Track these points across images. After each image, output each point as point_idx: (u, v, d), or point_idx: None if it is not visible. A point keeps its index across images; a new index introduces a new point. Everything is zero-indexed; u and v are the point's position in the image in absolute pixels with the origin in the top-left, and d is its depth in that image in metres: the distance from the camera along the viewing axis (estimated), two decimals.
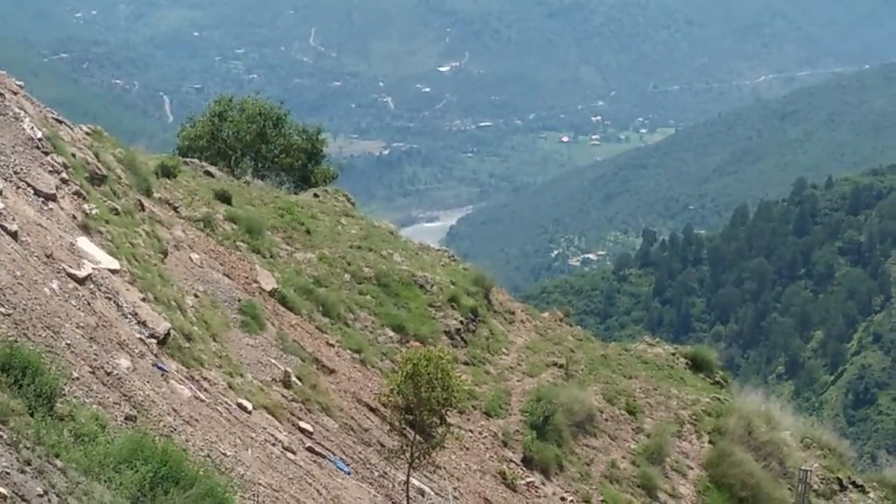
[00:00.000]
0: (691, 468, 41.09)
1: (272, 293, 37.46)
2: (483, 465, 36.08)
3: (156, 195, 38.63)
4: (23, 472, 18.38)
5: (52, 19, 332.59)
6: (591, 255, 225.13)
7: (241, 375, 32.51)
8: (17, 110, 34.71)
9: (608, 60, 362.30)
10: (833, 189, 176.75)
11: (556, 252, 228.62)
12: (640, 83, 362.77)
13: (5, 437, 18.78)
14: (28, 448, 18.88)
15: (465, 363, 39.32)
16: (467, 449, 36.10)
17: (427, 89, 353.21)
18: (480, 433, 37.42)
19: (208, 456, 25.95)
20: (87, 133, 37.82)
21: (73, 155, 35.37)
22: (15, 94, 35.97)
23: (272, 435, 30.62)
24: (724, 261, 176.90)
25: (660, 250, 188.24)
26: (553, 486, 36.66)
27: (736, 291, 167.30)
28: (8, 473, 17.80)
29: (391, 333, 39.51)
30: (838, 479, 44.56)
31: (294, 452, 30.49)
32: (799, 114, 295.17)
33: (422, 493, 32.39)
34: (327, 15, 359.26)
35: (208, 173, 46.13)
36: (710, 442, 42.48)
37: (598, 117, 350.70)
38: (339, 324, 38.48)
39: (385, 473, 32.57)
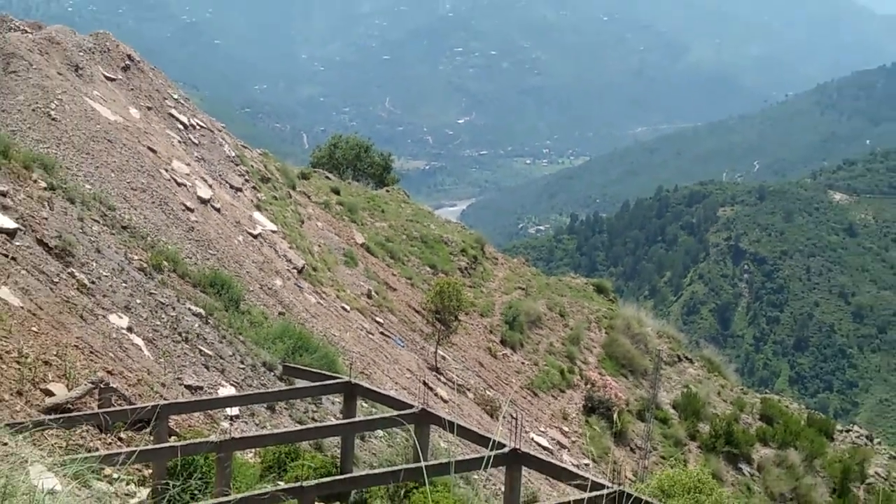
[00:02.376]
0: (595, 347, 44.07)
1: (362, 245, 40.98)
2: (478, 343, 39.29)
3: (298, 189, 42.30)
4: (220, 342, 25.30)
5: (242, 87, 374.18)
6: (541, 227, 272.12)
7: (344, 290, 35.41)
8: (221, 140, 38.94)
9: (553, 117, 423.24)
10: (678, 192, 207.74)
11: (521, 225, 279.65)
12: (570, 130, 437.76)
13: (212, 322, 25.96)
14: (224, 328, 26.07)
15: (469, 286, 42.30)
16: (469, 334, 39.16)
17: (451, 132, 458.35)
18: (477, 326, 40.45)
19: (324, 335, 30.06)
20: (260, 154, 42.32)
21: (252, 166, 39.32)
22: (220, 130, 40.06)
23: (361, 324, 33.93)
24: (615, 231, 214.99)
25: (579, 225, 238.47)
26: (517, 356, 40.25)
27: (622, 249, 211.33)
28: (213, 343, 24.79)
29: (428, 269, 42.93)
30: (677, 355, 47.25)
31: (372, 334, 33.58)
32: (660, 150, 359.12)
33: (444, 357, 35.66)
34: (395, 90, 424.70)
35: (327, 178, 49.97)
36: (606, 333, 45.23)
37: (546, 150, 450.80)
38: (398, 263, 42.16)
39: (423, 347, 35.90)
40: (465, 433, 21.48)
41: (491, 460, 19.56)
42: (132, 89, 36.45)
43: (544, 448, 31.35)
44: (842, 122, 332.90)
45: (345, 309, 33.89)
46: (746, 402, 45.29)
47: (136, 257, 26.84)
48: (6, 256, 22.71)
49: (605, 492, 17.96)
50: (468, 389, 34.70)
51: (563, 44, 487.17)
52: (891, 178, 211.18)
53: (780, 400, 50.10)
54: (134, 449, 16.23)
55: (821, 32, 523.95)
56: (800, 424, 44.11)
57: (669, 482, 23.62)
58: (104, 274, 24.92)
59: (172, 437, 19.10)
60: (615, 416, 38.32)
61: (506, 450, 19.09)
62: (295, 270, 33.67)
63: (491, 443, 19.68)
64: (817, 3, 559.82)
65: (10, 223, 24.03)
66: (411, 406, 21.53)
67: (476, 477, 22.59)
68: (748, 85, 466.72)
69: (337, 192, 45.15)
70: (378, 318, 35.24)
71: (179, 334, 24.80)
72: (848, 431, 47.71)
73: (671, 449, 38.42)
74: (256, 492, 17.60)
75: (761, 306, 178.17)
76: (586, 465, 32.56)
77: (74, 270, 24.12)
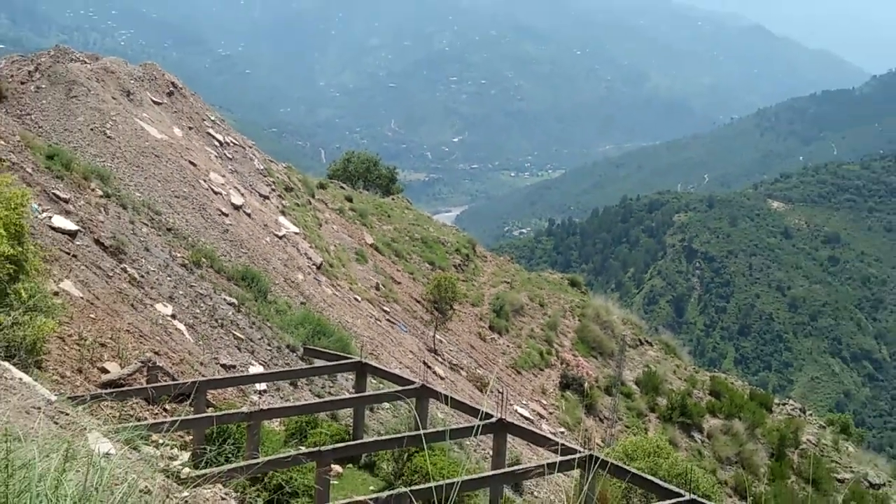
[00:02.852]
0: (569, 332, 43.83)
1: (371, 245, 40.90)
2: (470, 329, 39.27)
3: (317, 197, 42.24)
4: (250, 327, 25.50)
5: (269, 110, 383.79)
6: (523, 230, 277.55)
7: (355, 283, 35.41)
8: (251, 155, 38.93)
9: (534, 137, 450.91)
10: (639, 201, 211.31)
11: (506, 228, 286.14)
12: (548, 147, 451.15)
13: (243, 310, 26.19)
14: (254, 316, 26.18)
15: (462, 280, 41.88)
16: (462, 321, 39.10)
17: (446, 149, 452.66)
18: (469, 314, 40.38)
19: (339, 322, 30.17)
20: (284, 167, 42.22)
21: (278, 177, 39.10)
22: (250, 147, 40.00)
23: (370, 312, 33.92)
24: (586, 234, 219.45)
25: (556, 228, 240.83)
26: (503, 340, 40.20)
27: (592, 249, 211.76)
28: (244, 328, 25.06)
29: (427, 265, 42.79)
30: (639, 339, 47.09)
31: (380, 321, 33.68)
32: (625, 164, 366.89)
33: (441, 341, 35.58)
34: (400, 113, 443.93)
35: (342, 187, 49.78)
36: (578, 320, 44.92)
37: (528, 164, 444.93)
38: (402, 260, 42.03)
39: (423, 332, 35.87)
40: (458, 406, 21.68)
41: (480, 429, 20.06)
42: (175, 112, 36.50)
43: (526, 418, 31.28)
44: (778, 142, 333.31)
45: (356, 299, 33.94)
46: (698, 380, 45.35)
47: (178, 255, 26.98)
48: (68, 254, 22.83)
49: (577, 455, 18.09)
50: (461, 368, 34.66)
51: (542, 74, 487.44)
52: (820, 189, 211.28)
53: (727, 378, 50.15)
54: (177, 418, 16.76)
55: (761, 65, 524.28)
56: (743, 398, 44.24)
57: (632, 447, 23.77)
58: (152, 269, 25.09)
59: (210, 409, 19.21)
60: (586, 390, 38.40)
61: (493, 420, 19.70)
62: (314, 266, 33.71)
63: (481, 414, 19.97)
64: (758, 39, 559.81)
65: (71, 226, 24.16)
66: (413, 382, 22.09)
67: (468, 443, 22.45)
68: (699, 110, 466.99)
69: (350, 200, 45.11)
70: (385, 308, 35.27)
71: (216, 321, 24.98)
72: (784, 405, 47.80)
73: (634, 419, 38.53)
74: (281, 455, 17.76)
75: (710, 298, 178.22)
76: (562, 432, 32.33)
77: (126, 266, 24.29)
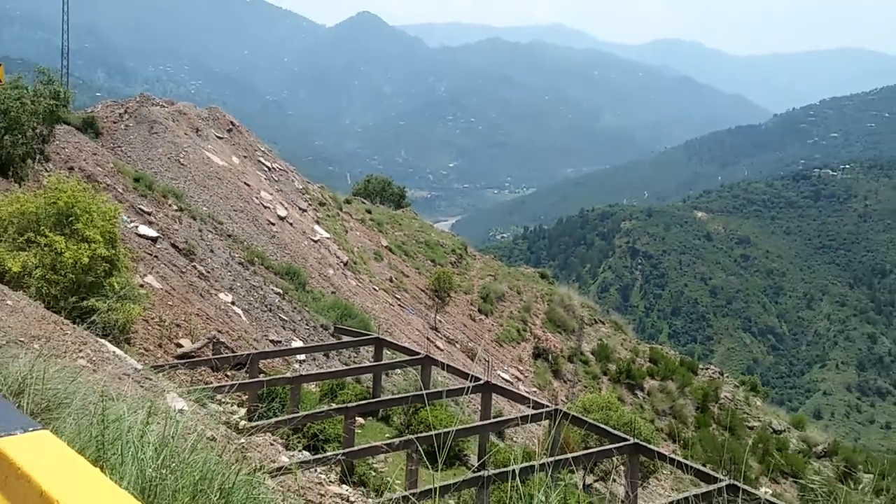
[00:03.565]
0: (540, 314, 43.16)
1: (386, 247, 40.43)
2: (463, 311, 38.94)
3: (343, 210, 41.54)
4: (292, 311, 25.38)
5: (306, 142, 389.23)
6: (504, 235, 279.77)
7: (374, 277, 35.29)
8: (292, 178, 38.62)
9: (512, 163, 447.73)
10: (594, 212, 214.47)
11: (491, 233, 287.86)
12: (524, 171, 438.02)
13: (287, 298, 26.06)
14: (295, 302, 26.05)
15: (457, 274, 41.47)
16: (457, 306, 38.74)
17: (444, 173, 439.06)
18: (462, 300, 39.90)
19: (361, 307, 29.89)
20: (318, 187, 41.81)
21: (313, 195, 38.88)
22: (291, 171, 39.61)
23: (385, 299, 33.79)
24: (553, 238, 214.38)
25: (530, 234, 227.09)
26: (489, 320, 39.74)
27: (558, 249, 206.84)
28: (287, 312, 24.87)
29: (430, 262, 42.25)
30: (594, 319, 46.55)
31: (393, 306, 33.59)
32: (583, 183, 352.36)
33: (440, 321, 35.36)
34: (408, 145, 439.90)
35: (363, 202, 48.78)
36: (547, 304, 44.32)
37: (508, 184, 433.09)
38: (410, 258, 41.56)
39: (426, 314, 35.52)
40: (454, 371, 22.25)
41: (471, 389, 20.31)
42: (233, 144, 36.48)
43: (507, 381, 31.16)
44: (702, 166, 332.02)
45: (375, 289, 33.81)
46: (640, 350, 45.23)
47: (236, 255, 26.92)
48: (150, 255, 23.02)
49: (546, 409, 18.39)
50: (456, 342, 34.53)
51: (518, 114, 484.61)
52: (734, 202, 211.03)
53: (662, 348, 50.04)
54: (235, 382, 17.13)
55: (688, 106, 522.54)
56: (675, 364, 44.19)
57: (589, 403, 23.81)
58: (215, 266, 25.13)
59: (261, 374, 19.40)
60: (553, 359, 38.41)
61: (481, 382, 20.27)
62: (342, 264, 33.55)
63: (471, 377, 20.40)
64: (686, 86, 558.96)
65: (153, 233, 24.26)
66: (418, 354, 22.65)
67: (462, 400, 22.28)
68: (640, 141, 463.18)
69: (369, 212, 44.94)
70: (396, 296, 35.13)
71: (266, 306, 24.95)
72: (706, 369, 47.68)
73: (590, 381, 38.36)
74: (317, 410, 18.10)
75: (649, 287, 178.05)
76: (535, 391, 32.06)
77: (196, 264, 24.44)
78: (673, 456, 19.18)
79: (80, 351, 8.97)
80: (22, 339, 8.03)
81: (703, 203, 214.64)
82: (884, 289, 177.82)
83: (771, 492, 24.59)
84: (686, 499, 14.88)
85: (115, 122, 32.02)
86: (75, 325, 10.45)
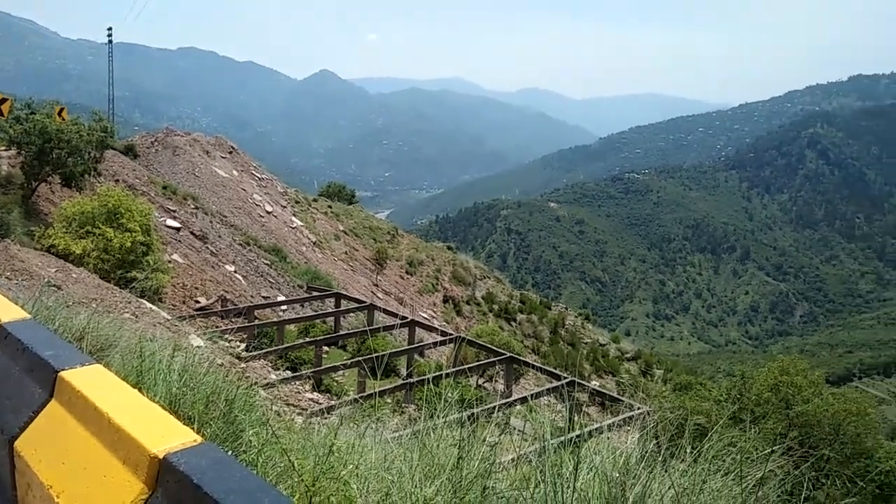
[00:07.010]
0: (447, 273, 41.95)
1: (342, 231, 38.31)
2: (395, 273, 37.51)
3: (312, 206, 39.42)
4: (278, 276, 24.17)
5: (286, 161, 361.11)
6: (423, 220, 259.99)
7: (334, 251, 33.60)
8: (276, 185, 37.04)
9: (429, 172, 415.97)
10: (483, 205, 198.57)
11: (414, 220, 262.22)
12: (436, 178, 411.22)
13: (274, 267, 24.82)
14: (279, 270, 24.92)
15: (391, 248, 39.98)
16: (391, 269, 37.17)
17: (382, 179, 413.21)
18: (394, 265, 38.52)
19: (326, 272, 28.77)
20: (294, 190, 39.90)
21: (291, 196, 37.30)
22: (275, 180, 37.91)
23: (342, 266, 32.59)
24: (457, 223, 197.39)
25: (441, 220, 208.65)
26: (413, 279, 38.35)
27: (461, 230, 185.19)
28: (274, 277, 23.70)
29: (373, 240, 40.06)
30: (484, 276, 45.64)
31: (347, 270, 32.36)
32: (476, 185, 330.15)
33: (380, 279, 34.10)
34: (357, 161, 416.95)
35: (326, 200, 45.63)
36: (452, 267, 43.19)
37: (425, 187, 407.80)
38: (358, 238, 39.50)
39: (370, 275, 34.27)
40: (389, 313, 22.03)
41: (400, 325, 20.44)
42: (234, 162, 35.48)
43: (425, 318, 30.69)
44: (555, 172, 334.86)
45: (335, 260, 33.15)
46: (514, 295, 45.06)
47: (237, 239, 26.12)
48: (175, 240, 22.36)
49: (452, 336, 18.79)
50: (391, 294, 34.05)
51: (435, 139, 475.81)
52: (574, 196, 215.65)
53: (528, 293, 50.29)
54: (236, 326, 16.88)
55: (544, 131, 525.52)
56: (537, 303, 44.28)
57: (480, 331, 24.23)
58: (222, 247, 24.45)
59: (256, 320, 18.98)
60: (456, 303, 38.18)
61: (408, 320, 20.64)
62: (312, 243, 32.79)
63: (399, 317, 20.60)
64: (541, 119, 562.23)
65: (177, 224, 23.55)
66: (365, 302, 22.69)
67: (395, 332, 22.27)
68: (511, 157, 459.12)
69: (331, 207, 43.19)
70: (350, 264, 34.39)
71: (259, 273, 24.37)
72: (556, 306, 48.30)
73: (481, 317, 38.30)
74: (295, 343, 18.02)
75: (519, 253, 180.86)
76: (444, 324, 31.95)
77: (208, 245, 23.75)
78: (535, 363, 19.45)
79: (125, 308, 8.78)
80: (83, 300, 7.78)
81: (554, 197, 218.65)
82: (670, 251, 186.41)
83: (598, 384, 25.69)
84: (545, 390, 15.13)
85: (147, 148, 31.08)
86: (122, 290, 10.26)
